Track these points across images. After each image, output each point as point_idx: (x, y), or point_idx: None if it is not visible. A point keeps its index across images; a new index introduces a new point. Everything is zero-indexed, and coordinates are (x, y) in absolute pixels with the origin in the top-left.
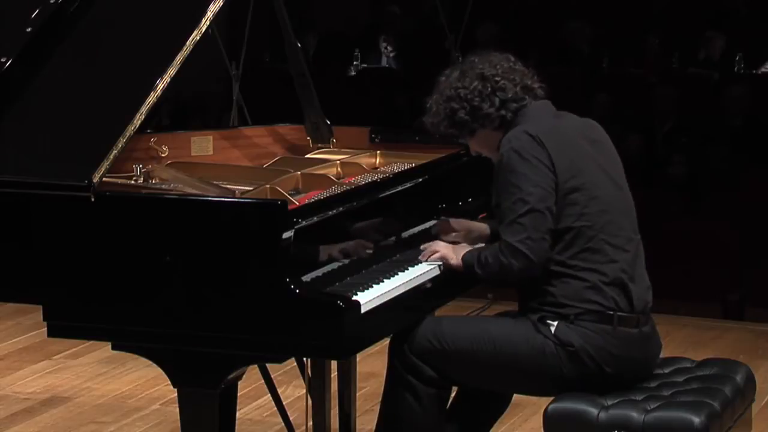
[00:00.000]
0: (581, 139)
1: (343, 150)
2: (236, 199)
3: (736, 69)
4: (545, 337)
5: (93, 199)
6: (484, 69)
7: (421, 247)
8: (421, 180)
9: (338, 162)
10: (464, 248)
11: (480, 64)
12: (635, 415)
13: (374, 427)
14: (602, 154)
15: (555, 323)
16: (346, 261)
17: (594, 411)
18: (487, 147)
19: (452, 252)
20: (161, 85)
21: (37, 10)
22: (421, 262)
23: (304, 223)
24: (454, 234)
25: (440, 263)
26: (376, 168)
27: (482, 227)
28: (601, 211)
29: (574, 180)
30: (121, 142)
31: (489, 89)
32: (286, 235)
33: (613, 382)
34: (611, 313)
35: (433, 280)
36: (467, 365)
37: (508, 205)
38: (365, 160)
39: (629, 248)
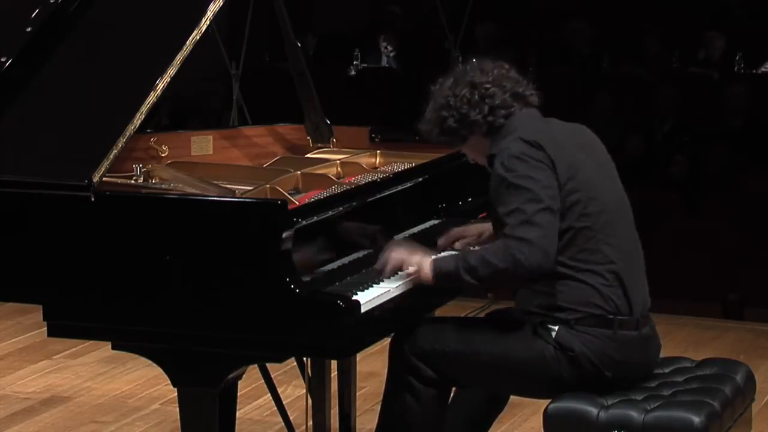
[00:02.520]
0: (571, 144)
1: (343, 150)
2: (236, 199)
3: (736, 69)
4: (545, 341)
5: (93, 199)
6: (475, 77)
7: (376, 265)
8: (421, 180)
9: (338, 162)
10: (427, 254)
11: (471, 71)
12: (635, 414)
13: (374, 427)
14: (594, 157)
15: (556, 328)
16: (346, 261)
17: (594, 411)
18: (479, 153)
19: (412, 258)
20: (161, 85)
21: (37, 10)
22: None
23: (304, 222)
24: (462, 241)
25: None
26: (376, 168)
27: (488, 227)
28: (600, 212)
29: (573, 181)
30: (121, 141)
31: (477, 96)
32: (286, 234)
33: (612, 385)
34: (611, 317)
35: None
36: (466, 367)
37: (516, 207)
38: (365, 160)
39: (627, 249)
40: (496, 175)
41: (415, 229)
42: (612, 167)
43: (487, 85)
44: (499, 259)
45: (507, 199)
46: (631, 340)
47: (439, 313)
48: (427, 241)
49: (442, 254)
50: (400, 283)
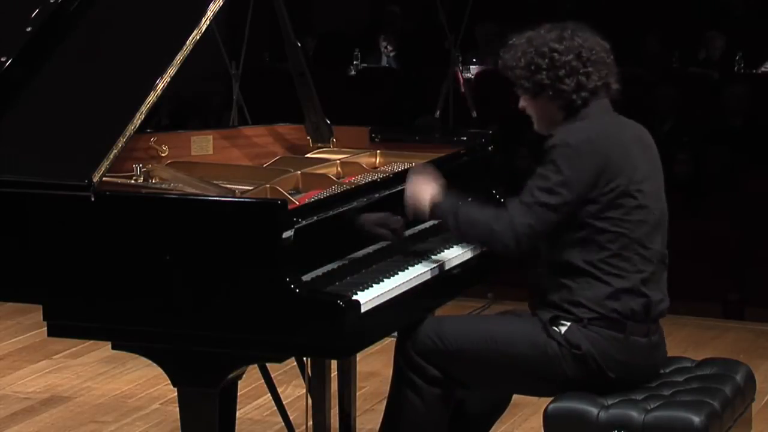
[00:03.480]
0: (637, 144)
1: (343, 150)
2: (236, 199)
3: (736, 69)
4: (549, 336)
5: (93, 199)
6: (583, 48)
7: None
8: None
9: (338, 162)
10: (430, 189)
11: (581, 39)
12: (635, 414)
13: (377, 427)
14: (652, 162)
15: (568, 324)
16: (346, 261)
17: (594, 411)
18: (539, 114)
19: (420, 191)
20: (161, 85)
21: (37, 10)
22: (421, 262)
23: (304, 222)
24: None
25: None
26: (376, 168)
27: None
28: (640, 221)
29: (626, 187)
30: (121, 141)
31: (578, 70)
32: (286, 234)
33: (614, 385)
34: (626, 322)
35: (433, 279)
36: (469, 365)
37: (532, 185)
38: (365, 159)
39: (656, 261)
40: (549, 144)
41: (415, 229)
42: (661, 176)
43: (590, 63)
44: (484, 224)
45: (537, 172)
46: (641, 346)
47: (439, 313)
48: (426, 241)
49: (444, 197)
50: (400, 282)
